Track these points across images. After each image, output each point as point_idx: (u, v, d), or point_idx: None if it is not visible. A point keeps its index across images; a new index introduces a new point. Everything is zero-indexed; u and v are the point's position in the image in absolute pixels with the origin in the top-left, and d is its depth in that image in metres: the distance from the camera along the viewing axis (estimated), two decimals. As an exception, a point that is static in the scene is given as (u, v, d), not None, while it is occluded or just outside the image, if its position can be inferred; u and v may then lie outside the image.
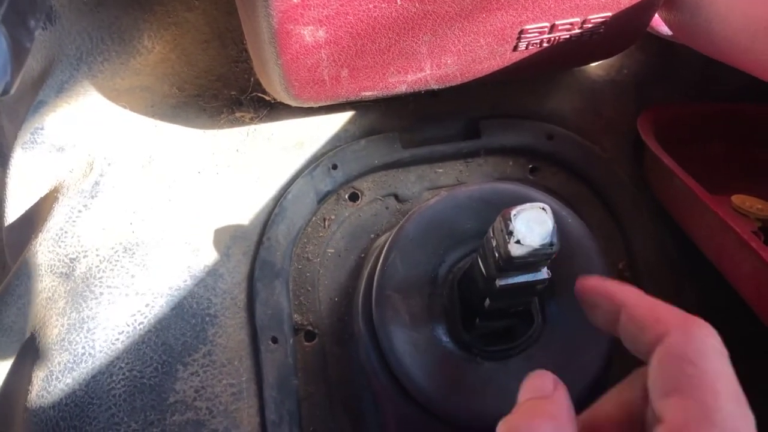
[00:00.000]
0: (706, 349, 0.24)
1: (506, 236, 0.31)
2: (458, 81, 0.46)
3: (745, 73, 0.50)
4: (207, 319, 0.47)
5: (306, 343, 0.49)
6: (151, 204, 0.50)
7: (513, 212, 0.32)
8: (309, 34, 0.38)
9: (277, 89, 0.45)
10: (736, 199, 0.46)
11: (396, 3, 0.38)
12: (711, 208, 0.42)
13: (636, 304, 0.28)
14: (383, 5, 0.38)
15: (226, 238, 0.49)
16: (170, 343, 0.46)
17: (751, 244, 0.38)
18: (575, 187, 0.54)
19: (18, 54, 0.26)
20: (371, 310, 0.42)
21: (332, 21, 0.38)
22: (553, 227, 0.31)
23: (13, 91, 0.25)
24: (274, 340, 0.47)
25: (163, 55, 0.54)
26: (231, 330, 0.47)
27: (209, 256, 0.49)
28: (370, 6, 0.38)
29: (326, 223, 0.51)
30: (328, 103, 0.47)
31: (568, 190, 0.54)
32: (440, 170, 0.53)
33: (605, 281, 0.30)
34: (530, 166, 0.54)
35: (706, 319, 0.49)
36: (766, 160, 0.53)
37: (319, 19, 0.38)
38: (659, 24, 0.56)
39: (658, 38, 0.57)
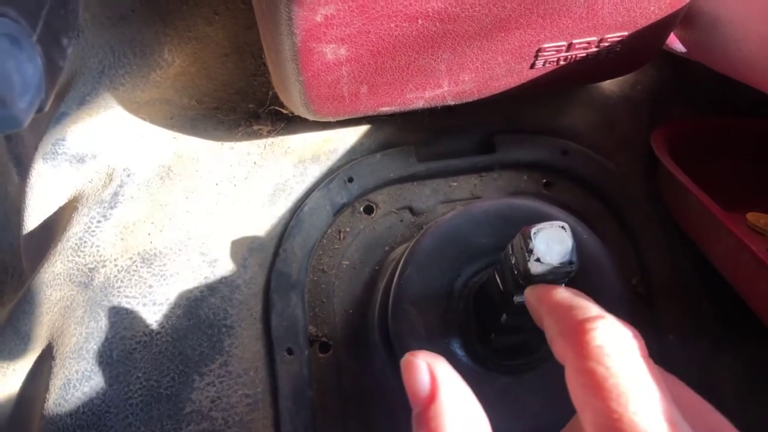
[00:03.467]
0: (619, 352, 0.23)
1: (526, 254, 0.32)
2: (475, 97, 0.47)
3: (756, 92, 0.49)
4: (223, 329, 0.47)
5: (321, 355, 0.49)
6: (169, 215, 0.50)
7: (533, 230, 0.32)
8: (331, 51, 0.39)
9: (296, 104, 0.45)
10: (751, 216, 0.46)
11: (417, 22, 0.39)
12: (726, 227, 0.42)
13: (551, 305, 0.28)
14: (404, 24, 0.39)
15: (243, 249, 0.50)
16: (187, 353, 0.46)
17: (767, 263, 0.38)
18: (589, 203, 0.54)
19: (52, 73, 0.26)
20: (387, 322, 0.42)
21: (354, 39, 0.39)
22: (573, 246, 0.32)
23: (47, 109, 0.26)
24: (290, 352, 0.47)
25: (183, 69, 0.54)
26: (247, 341, 0.48)
27: (226, 267, 0.49)
28: (392, 25, 0.38)
29: (341, 235, 0.52)
30: (346, 117, 0.47)
31: (581, 205, 0.54)
32: (455, 184, 0.54)
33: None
34: (544, 180, 0.54)
35: (723, 336, 0.51)
36: None
37: (341, 38, 0.38)
38: (673, 41, 0.56)
39: (673, 55, 0.57)
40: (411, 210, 0.53)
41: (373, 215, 0.52)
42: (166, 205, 0.51)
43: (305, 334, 0.48)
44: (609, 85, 0.58)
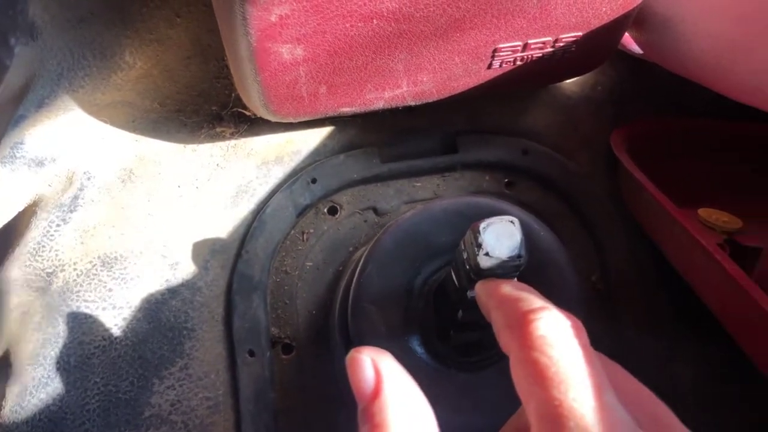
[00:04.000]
0: (559, 340, 0.24)
1: (476, 248, 0.32)
2: (435, 97, 0.47)
3: (711, 92, 0.51)
4: (184, 332, 0.47)
5: (284, 357, 0.49)
6: (130, 218, 0.50)
7: (482, 225, 0.32)
8: (287, 51, 0.39)
9: (256, 105, 0.45)
10: (703, 212, 0.47)
11: (372, 22, 0.39)
12: (679, 221, 0.43)
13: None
14: (360, 24, 0.39)
15: (205, 251, 0.49)
16: (147, 356, 0.46)
17: (717, 257, 0.39)
18: (550, 202, 0.55)
19: (-2, 70, 0.26)
20: (347, 321, 0.42)
21: (310, 39, 0.39)
22: (521, 240, 0.32)
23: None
24: (251, 354, 0.47)
25: (144, 71, 0.54)
26: (208, 343, 0.47)
27: (187, 269, 0.49)
28: (347, 25, 0.39)
29: (305, 236, 0.51)
30: (307, 118, 0.47)
31: (543, 204, 0.54)
32: (418, 184, 0.54)
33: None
34: (506, 180, 0.55)
35: (680, 331, 0.51)
36: (734, 175, 0.55)
37: (297, 38, 0.39)
38: (631, 43, 0.57)
39: (631, 56, 0.58)
40: (375, 210, 0.52)
41: (336, 216, 0.52)
42: (128, 208, 0.50)
43: (267, 335, 0.48)
44: (570, 86, 0.59)
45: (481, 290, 0.32)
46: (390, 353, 0.28)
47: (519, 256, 0.32)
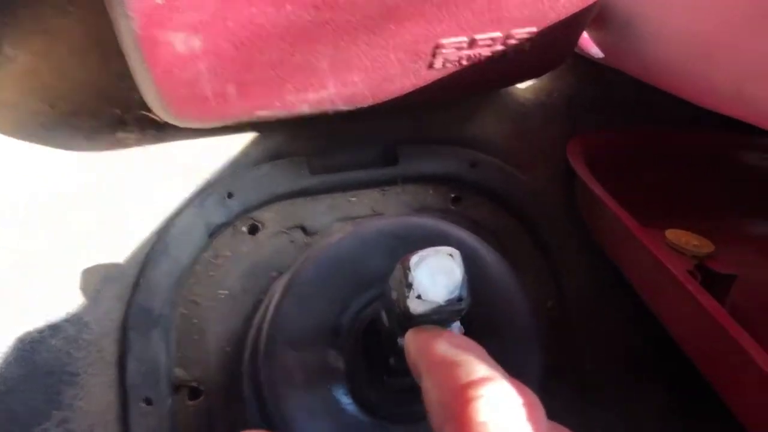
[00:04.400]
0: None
1: (405, 289, 0.26)
2: (369, 102, 0.41)
3: (678, 100, 0.49)
4: (65, 378, 0.40)
5: (189, 403, 0.42)
6: (8, 240, 0.42)
7: (413, 260, 0.26)
8: (181, 42, 0.32)
9: (156, 107, 0.38)
10: (671, 234, 0.42)
11: (285, 8, 0.32)
12: (644, 244, 0.38)
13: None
14: (269, 11, 0.32)
15: (96, 279, 0.42)
16: (16, 410, 0.38)
17: (689, 288, 0.34)
18: (501, 219, 0.50)
19: None
20: (258, 367, 0.36)
21: (209, 28, 0.32)
22: (463, 278, 0.26)
23: None
24: (148, 402, 0.41)
25: (30, 67, 0.46)
26: (96, 390, 0.40)
27: (73, 301, 0.42)
28: (253, 11, 0.32)
29: (219, 260, 0.45)
30: (219, 124, 0.41)
31: (493, 221, 0.50)
32: (354, 199, 0.49)
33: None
34: (452, 195, 0.50)
35: (643, 361, 0.47)
36: (702, 191, 0.50)
37: (192, 25, 0.32)
38: (590, 46, 0.53)
39: (590, 61, 0.54)
40: (303, 229, 0.47)
41: (257, 236, 0.46)
42: (6, 228, 0.43)
43: (169, 379, 0.42)
44: (522, 92, 0.55)
45: (410, 344, 0.26)
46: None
47: (459, 299, 0.26)
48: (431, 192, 0.50)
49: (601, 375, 0.47)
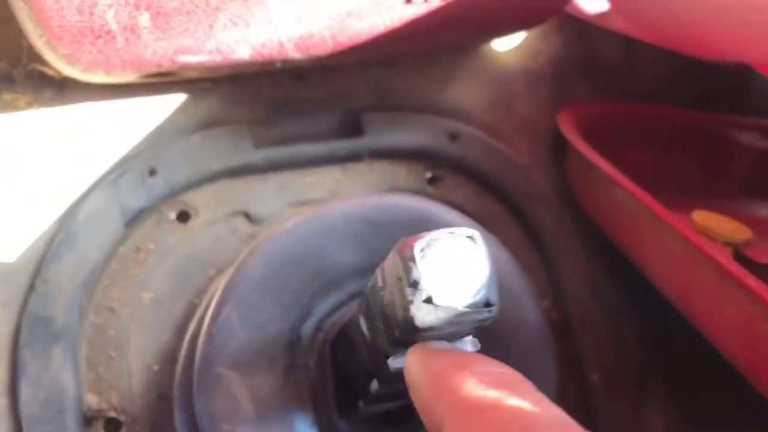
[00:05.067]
0: None
1: (407, 290, 0.18)
2: (329, 49, 0.33)
3: (662, 73, 0.48)
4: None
5: None
6: None
7: (418, 246, 0.18)
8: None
9: (44, 50, 0.30)
10: (699, 216, 0.36)
11: None
12: (677, 230, 0.31)
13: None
14: None
15: (-27, 283, 0.35)
16: None
17: (747, 281, 0.27)
18: (486, 203, 0.44)
19: None
20: (194, 394, 0.28)
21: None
22: (491, 273, 0.18)
23: None
24: None
25: None
26: None
27: (-56, 312, 0.34)
28: None
29: (141, 255, 0.38)
30: (133, 76, 0.33)
31: (477, 205, 0.44)
32: (309, 179, 0.42)
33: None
34: (429, 175, 0.44)
35: (650, 369, 0.42)
36: (720, 175, 0.46)
37: None
38: (581, 3, 0.47)
39: (577, 21, 0.49)
40: (247, 216, 0.40)
41: (190, 224, 0.39)
42: None
43: (77, 408, 0.35)
44: (505, 56, 0.49)
45: (418, 375, 0.18)
46: None
47: (487, 304, 0.18)
48: (404, 171, 0.43)
49: (604, 388, 0.41)
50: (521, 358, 0.29)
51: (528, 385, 0.17)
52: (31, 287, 0.35)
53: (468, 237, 0.18)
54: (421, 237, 0.18)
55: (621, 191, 0.36)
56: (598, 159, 0.39)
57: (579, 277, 0.42)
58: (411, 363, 0.19)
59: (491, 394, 0.16)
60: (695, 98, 0.53)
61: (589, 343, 0.41)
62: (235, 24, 0.29)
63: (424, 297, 0.18)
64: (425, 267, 0.18)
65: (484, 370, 0.17)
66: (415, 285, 0.18)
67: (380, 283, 0.20)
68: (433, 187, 0.43)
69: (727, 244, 0.34)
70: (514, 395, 0.16)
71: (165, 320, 0.37)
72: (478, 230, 0.26)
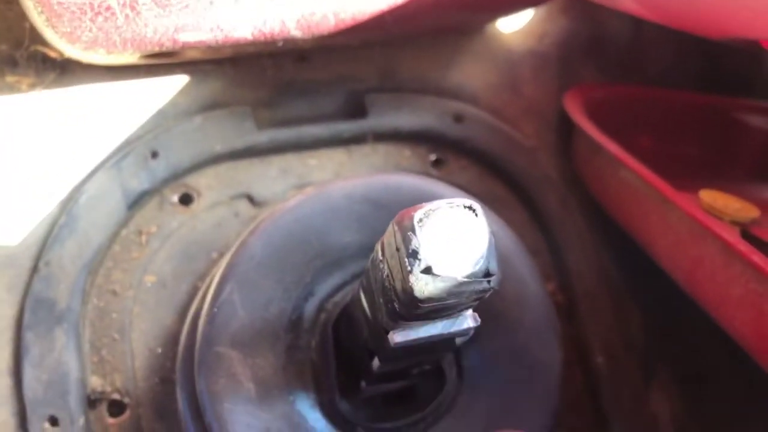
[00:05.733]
0: None
1: (406, 260, 0.17)
2: (331, 28, 0.33)
3: (670, 55, 0.47)
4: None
5: (111, 420, 0.35)
6: None
7: (418, 216, 0.18)
8: None
9: (44, 30, 0.29)
10: (706, 195, 0.35)
11: None
12: (684, 210, 0.31)
13: None
14: None
15: (-23, 265, 0.35)
16: None
17: (754, 259, 0.26)
18: (491, 186, 0.43)
19: None
20: (195, 375, 0.28)
21: None
22: (490, 242, 0.18)
23: None
24: (53, 421, 0.34)
25: None
26: None
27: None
28: None
29: (143, 238, 0.38)
30: (134, 56, 0.32)
31: (481, 188, 0.43)
32: (313, 161, 0.41)
33: None
34: (433, 157, 0.43)
35: (655, 352, 0.42)
36: (726, 156, 0.45)
37: None
38: None
39: (584, 2, 0.48)
40: (250, 199, 0.40)
41: (192, 207, 0.39)
42: None
43: (81, 390, 0.35)
44: (510, 37, 0.48)
45: None
46: None
47: (487, 274, 0.17)
48: (408, 153, 0.43)
49: (609, 372, 0.40)
50: (525, 338, 0.29)
51: None
52: (34, 270, 0.35)
53: (467, 207, 0.18)
54: (421, 207, 0.18)
55: (628, 172, 0.36)
56: (604, 140, 0.38)
57: (585, 260, 0.42)
58: None
59: None
60: (704, 80, 0.52)
61: (594, 327, 0.41)
62: (235, 1, 0.29)
63: (423, 267, 0.17)
64: (424, 237, 0.17)
65: None
66: (414, 255, 0.17)
67: (380, 256, 0.20)
68: (437, 170, 0.43)
69: (735, 223, 0.34)
70: None
71: (168, 303, 0.37)
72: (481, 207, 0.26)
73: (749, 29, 0.35)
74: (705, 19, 0.38)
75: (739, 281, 0.29)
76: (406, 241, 0.17)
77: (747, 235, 0.33)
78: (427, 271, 0.17)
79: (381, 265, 0.19)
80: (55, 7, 0.26)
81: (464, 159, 0.43)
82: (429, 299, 0.18)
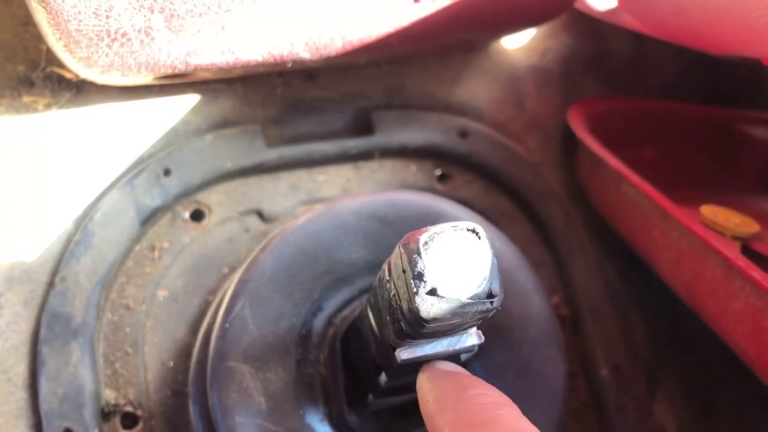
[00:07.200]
0: None
1: (412, 282, 0.18)
2: (339, 50, 0.33)
3: (672, 69, 0.47)
4: (-46, 410, 0.31)
5: None
6: None
7: (423, 239, 0.18)
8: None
9: (62, 53, 0.30)
10: (707, 210, 0.35)
11: None
12: (685, 225, 0.31)
13: None
14: None
15: (-3, 280, 0.35)
16: None
17: (753, 275, 0.27)
18: (496, 200, 0.43)
19: None
20: (207, 388, 0.28)
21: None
22: (493, 265, 0.18)
23: None
24: None
25: None
26: (0, 421, 0.33)
27: (-36, 310, 0.33)
28: None
29: (156, 253, 0.38)
30: (147, 78, 0.33)
31: (486, 202, 0.43)
32: (321, 178, 0.41)
33: None
34: (439, 172, 0.43)
35: (659, 365, 0.42)
36: (727, 170, 0.45)
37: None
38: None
39: (586, 17, 0.48)
40: (260, 215, 0.40)
41: (203, 223, 0.39)
42: None
43: (96, 404, 0.34)
44: (513, 53, 0.48)
45: (426, 392, 0.20)
46: None
47: (489, 295, 0.18)
48: (414, 168, 0.43)
49: (614, 384, 0.40)
50: (529, 352, 0.30)
51: (515, 409, 0.19)
52: (50, 285, 0.35)
53: (471, 230, 0.19)
54: (426, 230, 0.19)
55: (630, 187, 0.36)
56: (607, 155, 0.38)
57: (589, 273, 0.42)
58: (421, 380, 0.21)
59: (484, 414, 0.18)
60: (706, 94, 0.52)
61: (599, 339, 0.41)
62: (245, 28, 0.29)
63: (428, 288, 0.18)
64: (429, 259, 0.18)
65: (479, 393, 0.19)
66: (419, 277, 0.18)
67: (387, 276, 0.20)
68: (442, 185, 0.43)
69: (735, 238, 0.34)
70: (502, 416, 0.18)
71: (179, 317, 0.37)
72: (485, 225, 0.26)
73: (750, 48, 0.35)
74: (706, 38, 0.39)
75: (738, 296, 0.29)
76: (412, 263, 0.18)
77: (747, 249, 0.34)
78: (432, 292, 0.18)
79: (388, 285, 0.20)
80: (74, 34, 0.27)
81: (469, 174, 0.43)
82: (434, 319, 0.18)
